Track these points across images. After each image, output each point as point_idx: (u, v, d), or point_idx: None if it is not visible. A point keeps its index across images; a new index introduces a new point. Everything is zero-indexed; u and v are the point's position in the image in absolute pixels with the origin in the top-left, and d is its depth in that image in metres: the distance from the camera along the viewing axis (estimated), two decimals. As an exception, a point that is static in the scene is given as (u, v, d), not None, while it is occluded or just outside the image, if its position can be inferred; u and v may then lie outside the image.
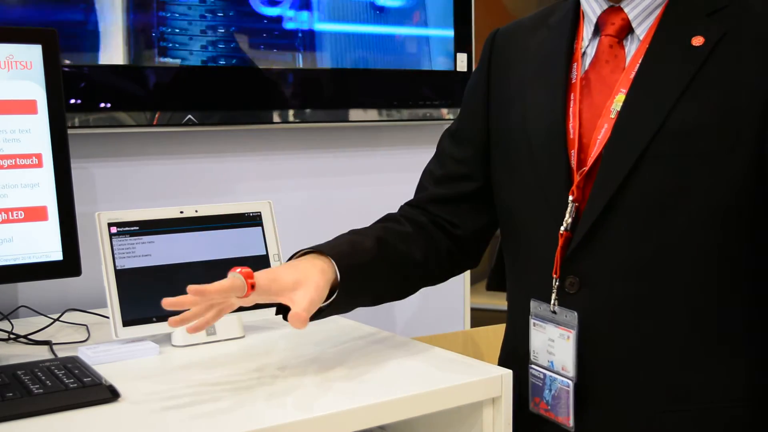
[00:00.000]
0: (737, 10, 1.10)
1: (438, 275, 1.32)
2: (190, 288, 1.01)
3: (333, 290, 1.14)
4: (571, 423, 1.12)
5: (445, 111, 1.90)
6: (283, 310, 1.15)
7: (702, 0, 1.11)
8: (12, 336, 1.30)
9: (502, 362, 1.29)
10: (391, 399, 1.01)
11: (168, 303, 1.00)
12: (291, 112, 1.71)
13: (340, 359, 1.17)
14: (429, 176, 1.35)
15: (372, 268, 1.19)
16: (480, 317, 2.32)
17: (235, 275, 1.04)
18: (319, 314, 1.14)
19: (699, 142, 1.06)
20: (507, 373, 1.09)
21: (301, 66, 1.70)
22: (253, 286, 1.05)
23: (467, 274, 2.04)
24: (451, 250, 1.30)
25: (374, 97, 1.81)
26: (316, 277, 1.10)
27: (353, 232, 1.25)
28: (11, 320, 1.40)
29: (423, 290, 1.32)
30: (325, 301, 1.13)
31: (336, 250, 1.16)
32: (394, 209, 1.33)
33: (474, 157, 1.30)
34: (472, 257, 1.35)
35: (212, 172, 1.69)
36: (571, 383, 1.12)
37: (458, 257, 1.32)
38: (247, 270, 1.05)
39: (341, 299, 1.14)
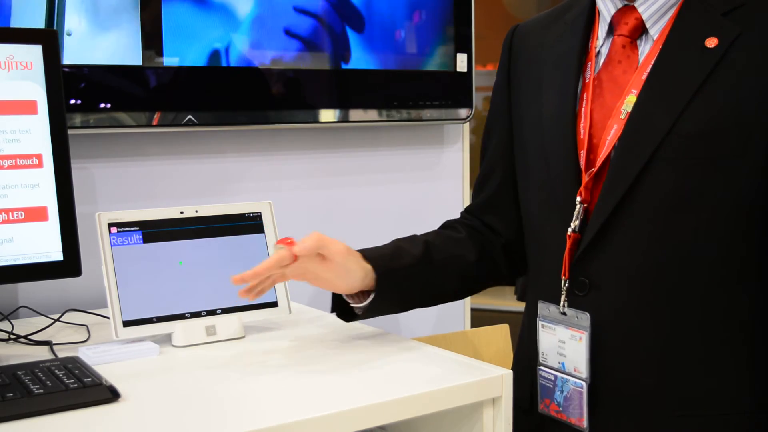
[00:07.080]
0: (754, 8, 1.07)
1: (499, 274, 1.33)
2: (238, 278, 1.09)
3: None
4: (585, 424, 1.12)
5: (445, 111, 1.90)
6: (336, 307, 1.24)
7: None
8: (12, 336, 1.30)
9: (516, 364, 1.29)
10: (391, 399, 1.01)
11: (236, 279, 1.10)
12: (291, 112, 1.71)
13: (340, 359, 1.17)
14: (477, 179, 1.38)
15: (415, 271, 1.22)
16: (480, 317, 2.32)
17: (280, 247, 1.11)
18: (359, 316, 1.22)
19: (710, 145, 1.05)
20: (507, 373, 1.09)
21: (301, 66, 1.70)
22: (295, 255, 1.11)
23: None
24: (506, 248, 1.32)
25: (374, 97, 1.81)
26: (359, 264, 1.17)
27: (407, 238, 1.28)
28: (11, 320, 1.40)
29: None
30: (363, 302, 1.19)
31: (377, 253, 1.20)
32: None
33: (501, 158, 1.31)
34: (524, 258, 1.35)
35: (212, 172, 1.69)
36: (584, 384, 1.12)
37: (515, 257, 1.33)
38: (290, 240, 1.12)
39: (377, 300, 1.18)
